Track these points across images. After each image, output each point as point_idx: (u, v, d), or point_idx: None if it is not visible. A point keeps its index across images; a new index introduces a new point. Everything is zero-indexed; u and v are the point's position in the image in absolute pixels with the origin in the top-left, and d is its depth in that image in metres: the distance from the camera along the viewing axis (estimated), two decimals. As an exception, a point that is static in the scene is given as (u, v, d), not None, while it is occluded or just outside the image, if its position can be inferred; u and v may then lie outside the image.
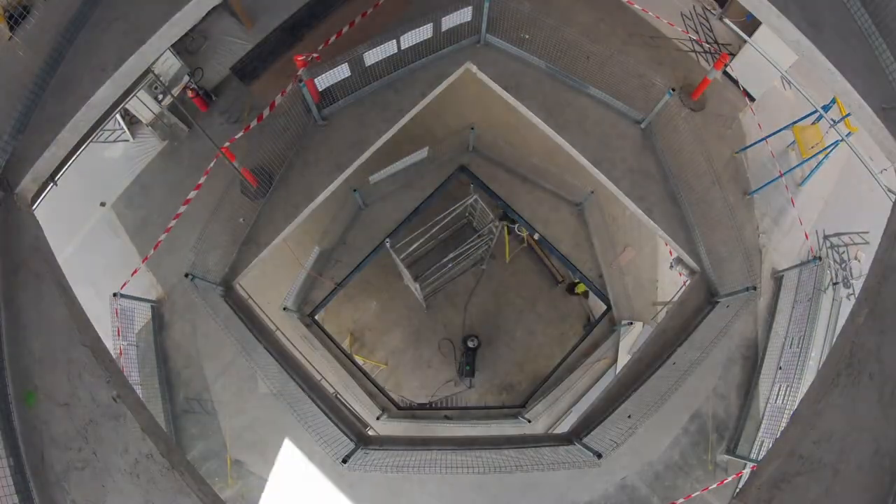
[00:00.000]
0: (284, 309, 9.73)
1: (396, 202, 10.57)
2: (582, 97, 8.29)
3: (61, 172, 5.58)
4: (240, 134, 7.31)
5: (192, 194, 7.37)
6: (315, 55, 7.28)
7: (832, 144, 7.29)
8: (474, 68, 8.28)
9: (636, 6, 8.92)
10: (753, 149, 8.18)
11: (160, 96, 8.10)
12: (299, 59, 7.09)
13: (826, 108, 7.16)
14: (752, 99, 8.58)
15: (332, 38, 7.98)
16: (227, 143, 7.01)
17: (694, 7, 9.14)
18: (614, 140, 8.17)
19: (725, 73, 8.64)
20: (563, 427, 9.69)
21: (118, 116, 8.02)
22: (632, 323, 10.11)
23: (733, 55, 8.73)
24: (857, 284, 7.69)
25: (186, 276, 6.80)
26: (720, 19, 9.00)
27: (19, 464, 3.66)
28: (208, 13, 5.70)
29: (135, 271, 7.50)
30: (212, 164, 7.40)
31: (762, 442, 6.86)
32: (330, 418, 6.74)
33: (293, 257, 9.43)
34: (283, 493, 7.16)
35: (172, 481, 3.60)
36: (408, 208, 10.60)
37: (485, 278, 12.78)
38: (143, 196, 8.14)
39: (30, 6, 4.61)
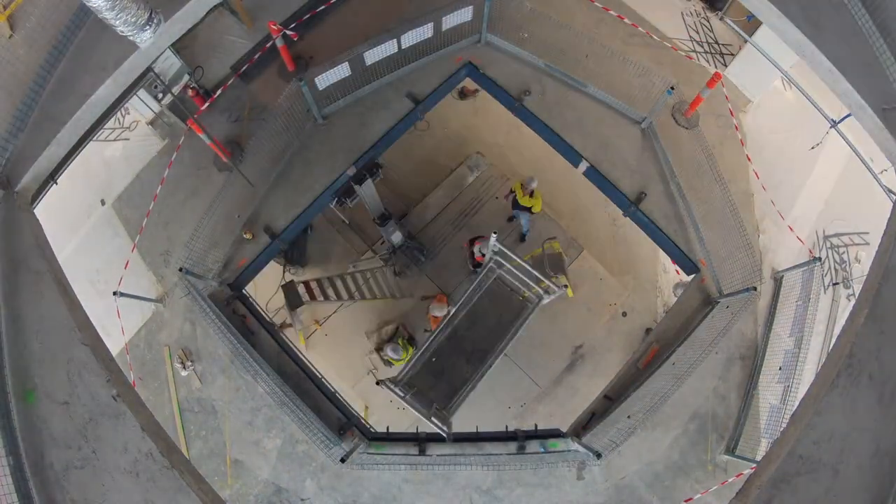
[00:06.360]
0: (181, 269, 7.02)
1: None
2: (582, 97, 8.29)
3: (61, 171, 5.58)
4: (206, 105, 7.77)
5: (165, 173, 7.63)
6: (291, 33, 7.28)
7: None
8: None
9: (636, 6, 8.93)
10: (753, 148, 8.17)
11: (160, 95, 8.10)
12: (272, 25, 7.08)
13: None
14: (752, 99, 8.58)
15: (331, 40, 8.02)
16: (196, 119, 7.02)
17: (694, 7, 9.13)
18: (614, 140, 8.17)
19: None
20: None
21: (118, 114, 8.02)
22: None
23: (733, 55, 8.73)
24: (857, 285, 7.69)
25: (180, 270, 6.85)
26: (721, 19, 8.99)
27: (19, 462, 3.66)
28: (208, 12, 5.71)
29: (126, 264, 7.48)
30: (182, 140, 7.73)
31: (762, 442, 6.85)
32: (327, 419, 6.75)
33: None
34: (282, 492, 7.16)
35: (172, 480, 3.60)
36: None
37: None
38: (143, 194, 8.13)
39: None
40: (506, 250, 7.37)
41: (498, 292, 8.22)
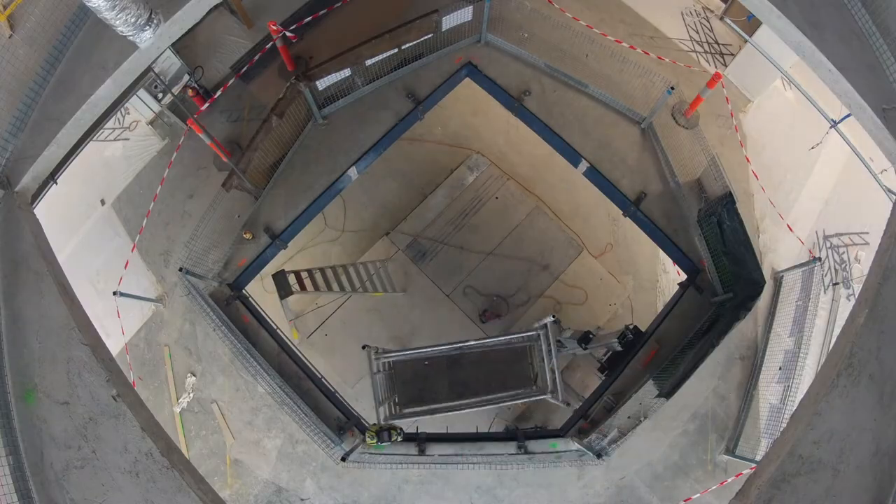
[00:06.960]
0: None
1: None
2: (582, 97, 8.28)
3: (61, 171, 5.57)
4: (206, 105, 7.70)
5: (165, 173, 7.63)
6: (291, 35, 7.38)
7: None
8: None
9: (636, 6, 8.91)
10: (753, 148, 8.17)
11: (160, 95, 8.10)
12: (272, 25, 7.12)
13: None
14: (752, 99, 8.57)
15: (331, 40, 8.02)
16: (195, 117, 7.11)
17: (694, 7, 9.12)
18: (614, 140, 8.16)
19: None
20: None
21: (118, 114, 8.01)
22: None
23: (733, 55, 8.73)
24: (857, 285, 7.69)
25: (180, 270, 6.89)
26: (721, 19, 8.98)
27: (19, 462, 3.66)
28: (208, 12, 5.70)
29: (126, 264, 7.48)
30: (182, 140, 7.74)
31: (762, 442, 6.85)
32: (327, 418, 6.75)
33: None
34: (282, 492, 7.16)
35: (172, 480, 3.59)
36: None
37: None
38: (143, 194, 8.13)
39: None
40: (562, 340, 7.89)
41: (519, 356, 8.52)
